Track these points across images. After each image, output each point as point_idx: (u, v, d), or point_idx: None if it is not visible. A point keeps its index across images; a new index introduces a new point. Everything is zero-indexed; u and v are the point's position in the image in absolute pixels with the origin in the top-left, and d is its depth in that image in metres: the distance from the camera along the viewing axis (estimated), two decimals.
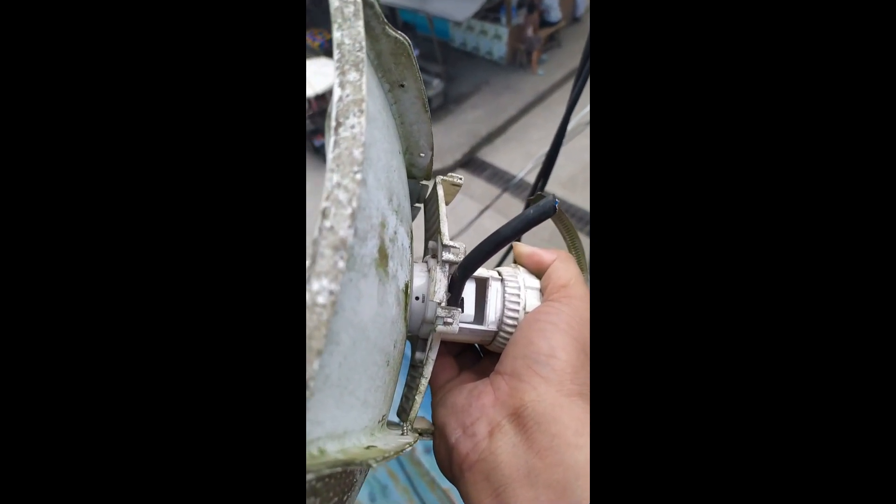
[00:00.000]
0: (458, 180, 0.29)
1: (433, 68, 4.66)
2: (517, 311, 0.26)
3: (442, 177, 0.29)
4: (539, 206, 0.22)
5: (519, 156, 3.93)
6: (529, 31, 4.69)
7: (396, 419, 0.27)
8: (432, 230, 0.28)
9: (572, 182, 3.23)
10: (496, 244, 0.23)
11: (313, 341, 0.12)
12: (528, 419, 0.21)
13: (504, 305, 0.26)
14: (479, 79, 4.80)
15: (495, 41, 4.87)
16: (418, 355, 0.26)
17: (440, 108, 4.51)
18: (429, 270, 0.25)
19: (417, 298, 0.25)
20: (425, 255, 0.28)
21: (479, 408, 0.23)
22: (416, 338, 0.27)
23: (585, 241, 0.30)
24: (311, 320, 0.12)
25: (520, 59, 4.85)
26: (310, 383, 0.12)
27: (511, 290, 0.26)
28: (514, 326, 0.26)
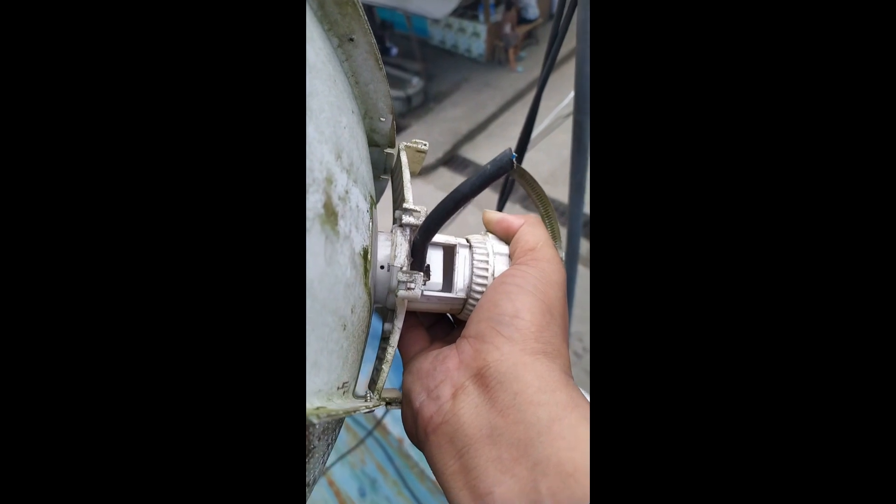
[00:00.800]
0: (423, 146, 0.28)
1: (412, 66, 4.64)
2: (486, 276, 0.25)
3: (406, 143, 0.28)
4: (496, 161, 0.22)
5: (500, 152, 3.95)
6: (507, 29, 4.71)
7: (369, 392, 0.26)
8: (398, 200, 0.28)
9: (553, 177, 3.25)
10: (456, 203, 0.22)
11: None
12: (491, 378, 0.21)
13: (472, 272, 0.26)
14: (459, 76, 4.80)
15: (474, 38, 4.88)
16: (386, 326, 0.26)
17: (420, 105, 4.50)
18: (392, 232, 0.25)
19: (383, 268, 0.24)
20: (393, 224, 0.28)
21: (443, 371, 0.23)
22: (385, 309, 0.27)
23: (564, 232, 0.30)
24: None
25: (499, 56, 4.86)
26: None
27: (479, 257, 0.26)
28: (483, 293, 0.25)
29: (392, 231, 0.26)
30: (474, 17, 4.79)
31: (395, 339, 0.25)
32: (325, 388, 0.19)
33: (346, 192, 0.19)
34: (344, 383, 0.21)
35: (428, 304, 0.26)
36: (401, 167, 0.27)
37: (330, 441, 0.22)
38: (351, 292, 0.20)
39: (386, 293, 0.25)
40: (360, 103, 0.25)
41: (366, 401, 0.24)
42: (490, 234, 0.28)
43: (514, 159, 0.23)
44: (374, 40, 0.22)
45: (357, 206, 0.20)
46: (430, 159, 4.01)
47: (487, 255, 0.26)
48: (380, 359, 0.26)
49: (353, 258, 0.20)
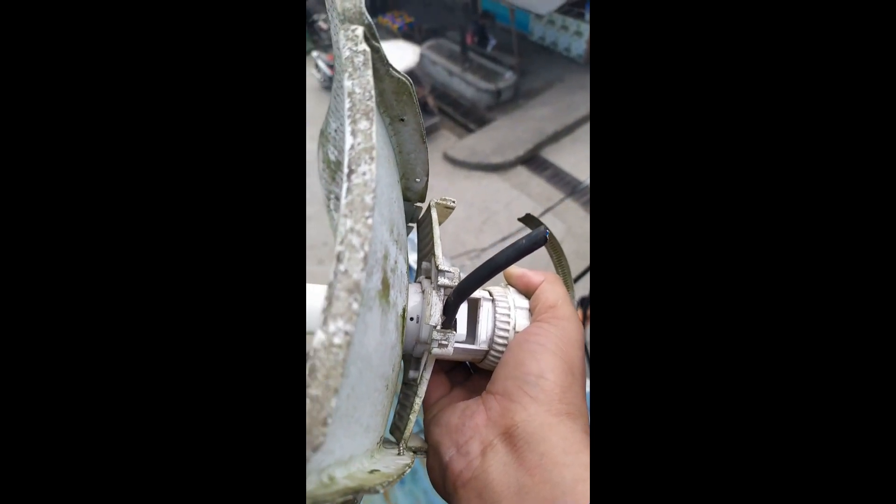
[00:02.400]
0: (451, 203, 0.30)
1: (507, 60, 4.60)
2: (507, 330, 0.27)
3: (436, 200, 0.30)
4: (531, 237, 0.24)
5: (584, 158, 3.82)
6: None
7: (390, 437, 0.27)
8: (425, 251, 0.29)
9: None
10: (490, 271, 0.24)
11: (330, 380, 0.12)
12: (519, 438, 0.22)
13: (495, 325, 0.27)
14: (554, 75, 4.68)
15: (575, 38, 4.72)
16: (412, 374, 0.28)
17: (509, 101, 4.45)
18: (423, 292, 0.26)
19: (412, 319, 0.26)
20: (418, 275, 0.29)
21: (472, 427, 0.24)
22: (410, 356, 0.28)
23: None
24: (329, 360, 0.12)
25: None
26: (328, 420, 0.12)
27: (501, 311, 0.27)
28: (505, 345, 0.26)
29: (419, 282, 0.28)
30: (580, 16, 4.62)
31: (422, 389, 0.26)
32: (370, 447, 0.20)
33: (396, 262, 0.20)
34: (381, 436, 0.22)
35: (452, 354, 0.27)
36: (430, 221, 0.29)
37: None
38: (394, 353, 0.21)
39: (413, 343, 0.26)
40: (400, 168, 0.27)
41: (397, 452, 0.25)
42: (510, 288, 0.30)
43: (547, 236, 0.24)
44: (421, 120, 0.24)
45: (401, 272, 0.22)
46: (509, 156, 3.97)
47: (509, 308, 0.27)
48: (404, 406, 0.27)
49: (397, 321, 0.21)
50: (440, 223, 0.29)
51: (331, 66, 4.81)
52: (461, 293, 0.24)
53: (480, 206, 3.67)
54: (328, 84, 4.83)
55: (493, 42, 4.90)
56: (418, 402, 0.26)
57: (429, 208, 0.29)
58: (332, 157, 0.32)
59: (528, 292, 0.29)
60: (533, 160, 4.03)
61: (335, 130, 0.30)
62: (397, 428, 0.27)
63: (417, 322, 0.25)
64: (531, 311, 0.27)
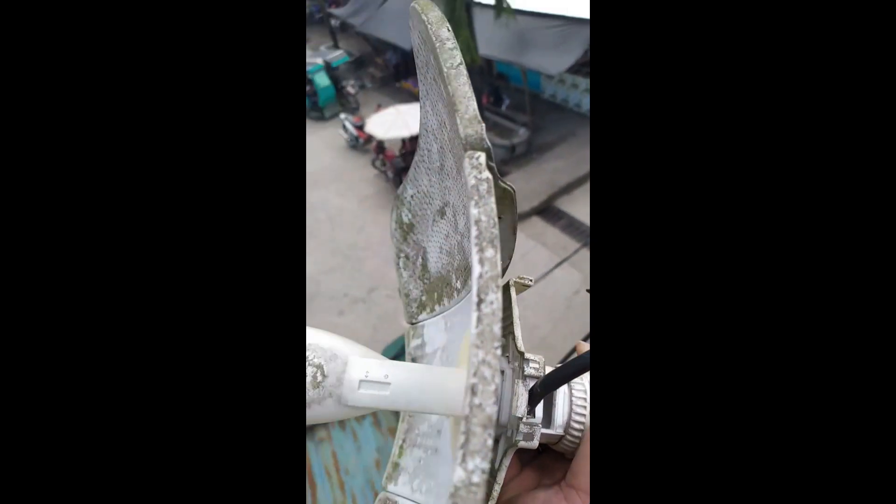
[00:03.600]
0: (529, 282, 0.30)
1: (521, 118, 4.80)
2: (584, 415, 0.26)
3: (514, 279, 0.30)
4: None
5: None
6: None
7: None
8: (504, 330, 0.29)
9: None
10: (580, 368, 0.24)
11: None
12: None
13: (571, 409, 0.26)
14: (566, 130, 4.85)
15: (584, 95, 4.93)
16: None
17: (523, 155, 4.61)
18: (502, 372, 0.26)
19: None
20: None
21: None
22: None
23: None
24: (469, 500, 0.12)
25: None
26: None
27: (578, 394, 0.27)
28: (581, 430, 0.26)
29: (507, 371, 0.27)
30: (588, 75, 4.88)
31: (501, 476, 0.26)
32: None
33: None
34: None
35: None
36: (510, 301, 0.29)
37: None
38: None
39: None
40: None
41: None
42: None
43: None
44: (517, 219, 0.25)
45: None
46: (524, 206, 4.06)
47: (586, 392, 0.27)
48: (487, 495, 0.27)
49: None
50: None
51: (357, 128, 5.02)
52: (549, 386, 0.24)
53: None
54: (354, 144, 5.11)
55: (507, 101, 5.15)
56: (497, 489, 0.25)
57: (507, 287, 0.30)
58: (406, 220, 0.34)
59: None
60: (547, 210, 4.12)
61: (411, 196, 0.33)
62: None
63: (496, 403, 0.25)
64: None
